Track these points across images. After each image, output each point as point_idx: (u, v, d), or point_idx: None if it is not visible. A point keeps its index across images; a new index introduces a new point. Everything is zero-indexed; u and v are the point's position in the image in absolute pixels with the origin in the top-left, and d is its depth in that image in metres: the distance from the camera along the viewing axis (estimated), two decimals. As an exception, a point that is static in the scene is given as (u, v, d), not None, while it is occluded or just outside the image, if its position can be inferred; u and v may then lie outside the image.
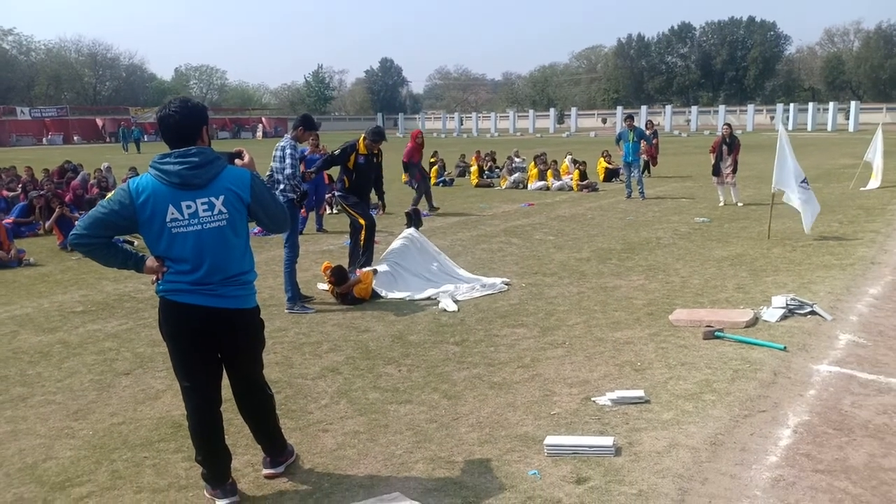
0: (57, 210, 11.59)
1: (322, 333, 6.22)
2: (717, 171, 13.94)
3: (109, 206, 3.13)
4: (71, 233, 3.21)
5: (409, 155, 14.52)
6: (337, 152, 8.00)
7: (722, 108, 65.27)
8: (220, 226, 3.20)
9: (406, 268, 7.88)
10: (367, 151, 7.98)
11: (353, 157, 7.89)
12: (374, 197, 9.08)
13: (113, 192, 3.25)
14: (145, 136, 50.46)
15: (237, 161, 3.43)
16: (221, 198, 3.19)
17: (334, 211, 14.48)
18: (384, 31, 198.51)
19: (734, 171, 13.84)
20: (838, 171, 20.21)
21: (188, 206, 3.14)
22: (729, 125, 14.67)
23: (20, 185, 15.26)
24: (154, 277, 3.30)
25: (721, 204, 13.90)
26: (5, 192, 14.48)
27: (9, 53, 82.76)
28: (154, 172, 3.16)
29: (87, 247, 3.15)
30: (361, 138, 7.98)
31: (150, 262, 3.24)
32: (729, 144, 13.78)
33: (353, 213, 8.08)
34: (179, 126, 3.19)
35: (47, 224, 11.95)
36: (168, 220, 3.13)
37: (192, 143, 3.20)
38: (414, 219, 8.83)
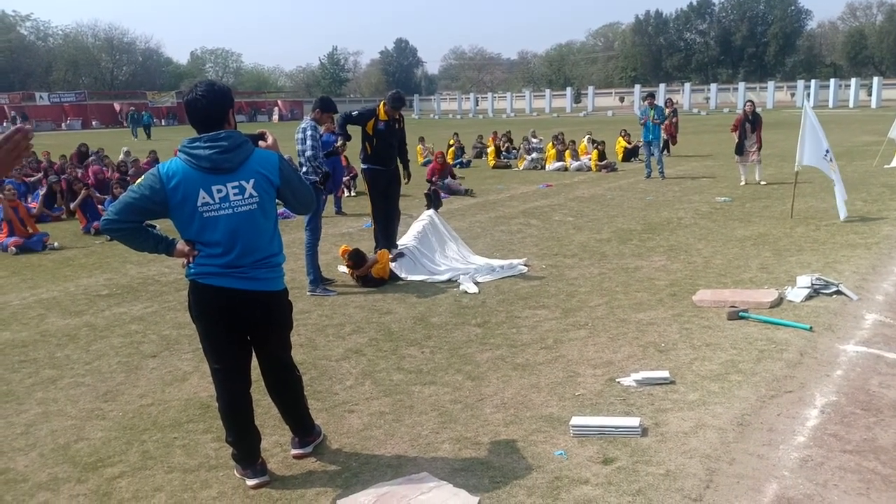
0: (83, 192, 11.70)
1: (344, 315, 6.26)
2: (740, 150, 13.72)
3: (140, 191, 3.15)
4: (102, 218, 3.24)
5: (431, 172, 14.97)
6: (355, 113, 7.84)
7: (742, 85, 64.36)
8: (251, 209, 3.22)
9: (423, 252, 7.89)
10: (388, 117, 7.75)
11: (372, 123, 7.69)
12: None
13: (143, 177, 3.26)
14: (156, 121, 50.40)
15: (261, 143, 3.44)
16: (252, 181, 3.20)
17: (352, 193, 14.51)
18: (399, 11, 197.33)
19: (759, 148, 13.64)
20: (861, 149, 19.89)
21: (219, 190, 3.15)
22: (752, 102, 14.42)
23: (42, 171, 15.41)
24: (184, 261, 3.33)
25: (742, 183, 13.69)
26: (25, 178, 14.62)
27: (27, 39, 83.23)
28: (184, 157, 3.17)
29: (118, 231, 3.18)
30: (381, 104, 7.79)
31: (181, 245, 3.27)
32: (752, 122, 13.57)
33: (371, 201, 7.98)
34: (207, 110, 3.20)
35: (72, 205, 12.07)
36: (199, 204, 3.15)
37: (220, 127, 3.21)
38: (434, 199, 8.81)
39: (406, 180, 8.13)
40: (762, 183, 13.52)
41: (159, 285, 7.58)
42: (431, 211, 8.56)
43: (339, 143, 7.89)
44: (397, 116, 7.89)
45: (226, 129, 3.24)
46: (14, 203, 10.30)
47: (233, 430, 3.47)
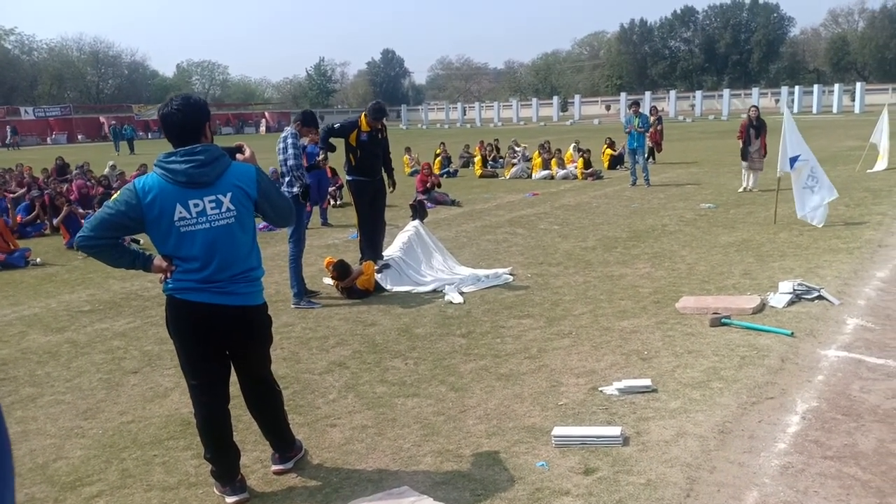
0: (65, 209, 11.63)
1: (329, 328, 6.23)
2: (745, 156, 13.54)
3: (116, 207, 3.13)
4: (77, 234, 3.21)
5: (420, 183, 15.09)
6: (337, 126, 7.80)
7: (727, 91, 64.84)
8: (229, 223, 3.20)
9: (409, 263, 7.88)
10: (371, 128, 7.72)
11: (354, 135, 7.65)
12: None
13: (118, 192, 3.24)
14: (141, 134, 50.12)
15: (238, 156, 3.43)
16: (229, 195, 3.19)
17: (338, 203, 14.50)
18: (385, 21, 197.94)
19: (764, 154, 13.41)
20: (844, 154, 20.08)
21: (196, 205, 3.14)
22: (756, 108, 14.06)
23: (25, 186, 15.30)
24: (161, 276, 3.31)
25: (741, 189, 13.55)
26: (7, 194, 14.52)
27: (11, 53, 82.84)
28: (160, 171, 3.15)
29: (94, 248, 3.16)
30: (363, 115, 7.75)
31: (158, 261, 3.25)
32: (756, 127, 13.36)
33: (357, 212, 7.95)
34: (183, 124, 3.18)
35: (55, 221, 11.99)
36: (176, 219, 3.13)
37: (196, 141, 3.20)
38: (419, 210, 8.82)
39: (391, 189, 8.11)
40: (754, 190, 13.40)
41: (142, 300, 7.53)
42: (417, 222, 8.56)
43: (321, 157, 7.89)
44: (380, 126, 7.86)
45: (202, 142, 3.23)
46: (-5, 220, 10.21)
47: (211, 446, 3.44)
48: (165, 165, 3.16)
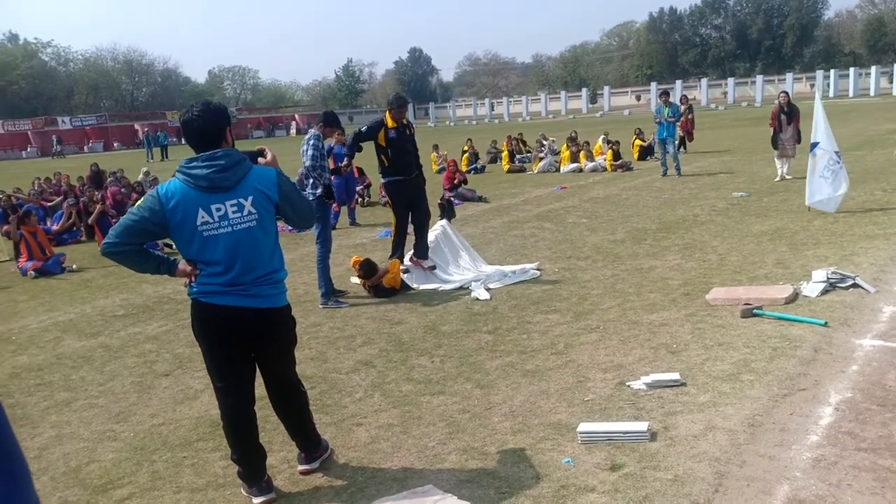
0: (98, 206, 11.91)
1: (356, 327, 6.26)
2: (775, 143, 13.09)
3: (140, 213, 3.18)
4: (103, 241, 3.27)
5: (447, 180, 15.02)
6: (364, 129, 7.62)
7: (759, 78, 63.57)
8: (250, 226, 3.23)
9: (436, 262, 7.86)
10: (396, 123, 7.48)
11: (382, 133, 7.43)
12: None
13: (142, 198, 3.30)
14: (174, 140, 50.89)
15: (260, 160, 3.46)
16: (250, 198, 3.22)
17: (365, 202, 14.54)
18: (412, 20, 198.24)
19: (798, 140, 12.84)
20: (882, 138, 19.53)
21: (217, 209, 3.18)
22: (786, 93, 13.59)
23: (62, 194, 15.67)
24: (186, 280, 3.35)
25: (777, 179, 13.07)
26: (44, 202, 14.87)
27: (48, 65, 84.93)
28: (182, 177, 3.20)
29: (119, 254, 3.21)
30: (388, 112, 7.56)
31: (183, 265, 3.30)
32: (788, 114, 12.89)
33: (395, 213, 7.75)
34: (203, 129, 3.23)
35: (90, 220, 12.26)
36: (198, 223, 3.17)
37: (217, 146, 3.24)
38: (447, 209, 8.80)
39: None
40: (788, 177, 12.94)
41: (174, 303, 7.64)
42: (444, 221, 8.54)
43: (344, 163, 7.87)
44: (405, 122, 7.64)
45: (223, 147, 3.27)
46: (35, 229, 10.47)
47: (237, 447, 3.48)
48: (187, 171, 3.20)
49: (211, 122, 3.25)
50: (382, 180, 7.81)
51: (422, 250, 7.77)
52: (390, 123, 7.50)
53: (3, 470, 0.66)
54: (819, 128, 9.32)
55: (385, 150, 7.51)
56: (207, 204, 3.18)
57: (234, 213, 3.21)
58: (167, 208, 3.17)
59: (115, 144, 62.12)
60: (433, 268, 7.69)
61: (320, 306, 7.00)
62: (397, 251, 7.84)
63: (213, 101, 3.44)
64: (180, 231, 3.22)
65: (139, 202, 3.29)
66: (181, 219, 3.18)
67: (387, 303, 7.01)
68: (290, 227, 11.23)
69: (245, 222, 3.23)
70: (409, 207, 7.70)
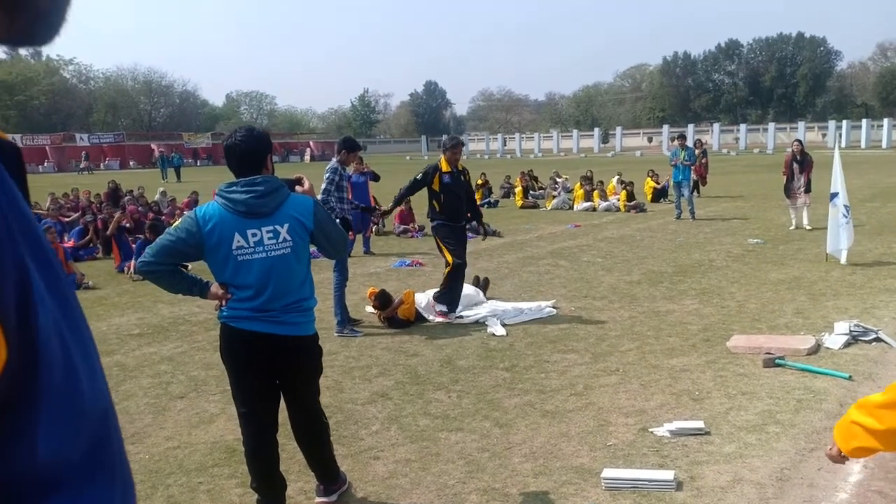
0: (117, 215, 12.04)
1: (371, 357, 6.22)
2: (787, 191, 12.99)
3: (177, 234, 3.21)
4: (139, 260, 3.30)
5: None
6: (419, 176, 7.40)
7: (771, 125, 63.93)
8: (285, 253, 3.25)
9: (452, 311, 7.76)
10: (451, 168, 7.29)
11: (437, 178, 7.25)
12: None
13: (180, 219, 3.32)
14: (189, 161, 51.08)
15: (297, 188, 3.48)
16: (286, 226, 3.24)
17: (380, 230, 14.57)
18: (429, 54, 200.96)
19: (807, 190, 12.73)
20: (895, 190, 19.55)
21: (254, 235, 3.20)
22: (800, 141, 13.50)
23: (80, 210, 15.77)
24: (217, 303, 3.36)
25: (792, 227, 12.95)
26: (62, 218, 14.96)
27: (69, 82, 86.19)
28: (221, 201, 3.22)
29: (154, 273, 3.24)
30: (442, 156, 7.39)
31: (215, 288, 3.30)
32: (800, 162, 12.75)
33: (443, 248, 7.42)
34: (245, 154, 3.26)
35: (108, 231, 12.33)
36: (234, 247, 3.19)
37: (257, 172, 3.27)
38: (483, 285, 8.69)
39: (483, 237, 7.88)
40: (808, 228, 12.63)
41: (189, 325, 7.63)
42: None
43: (385, 208, 7.78)
44: (461, 168, 7.43)
45: (263, 174, 3.29)
46: (54, 245, 10.52)
47: (258, 475, 3.44)
48: (226, 195, 3.23)
49: (252, 147, 3.30)
50: (433, 223, 7.57)
51: (450, 304, 7.48)
52: (444, 167, 7.31)
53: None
54: (837, 179, 9.34)
55: (438, 195, 7.30)
56: (244, 229, 3.20)
57: (269, 239, 3.22)
58: (204, 231, 3.19)
59: (131, 163, 62.70)
60: (460, 318, 7.39)
61: (335, 335, 6.97)
62: (449, 295, 7.36)
63: (257, 128, 3.49)
64: (215, 254, 3.23)
65: (176, 223, 3.32)
66: (217, 242, 3.20)
67: (402, 334, 6.98)
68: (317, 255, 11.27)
69: (280, 249, 3.24)
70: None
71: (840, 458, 1.98)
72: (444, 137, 7.72)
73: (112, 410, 0.64)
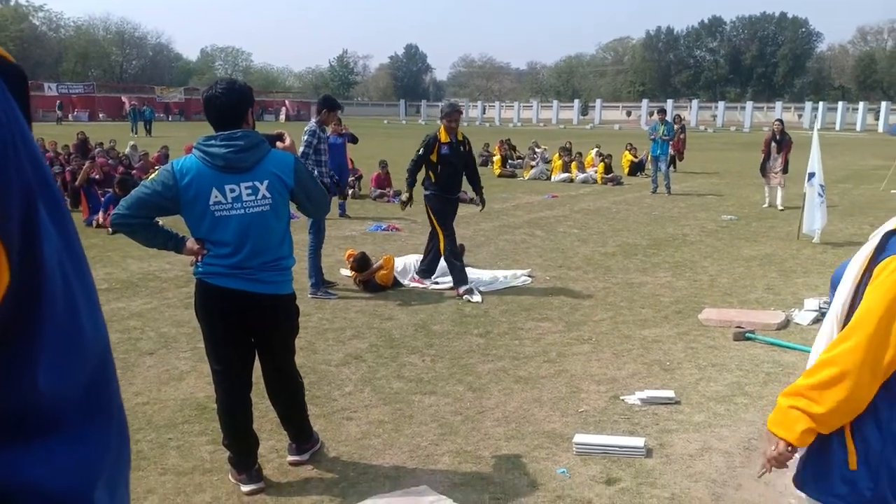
0: (87, 166, 11.80)
1: (345, 320, 6.19)
2: (763, 170, 13.06)
3: (153, 187, 3.12)
4: (113, 212, 3.21)
5: None
6: (420, 151, 6.99)
7: (749, 104, 64.45)
8: (263, 210, 3.18)
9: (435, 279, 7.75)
10: (450, 138, 6.95)
11: (436, 149, 6.93)
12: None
13: (157, 172, 3.23)
14: (160, 116, 49.94)
15: (278, 144, 3.40)
16: (266, 182, 3.16)
17: (355, 193, 14.43)
18: (410, 17, 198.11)
19: (784, 170, 12.76)
20: (868, 173, 19.83)
21: (232, 190, 3.12)
22: (780, 121, 13.46)
23: (48, 161, 15.37)
24: (193, 259, 3.29)
25: (765, 205, 13.10)
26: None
27: (39, 29, 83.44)
28: (199, 154, 3.13)
29: (129, 226, 3.15)
30: (441, 126, 7.02)
31: (191, 243, 3.23)
32: (779, 142, 12.76)
33: (434, 222, 7.16)
34: (225, 108, 3.17)
35: (77, 182, 12.06)
36: (211, 202, 3.11)
37: (237, 126, 3.18)
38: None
39: (480, 207, 7.44)
40: (780, 208, 12.67)
41: (160, 281, 7.51)
42: None
43: (405, 197, 7.32)
44: (461, 137, 7.10)
45: (243, 128, 3.20)
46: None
47: (230, 432, 3.41)
48: (205, 149, 3.14)
49: (233, 101, 3.20)
50: (425, 192, 7.20)
51: (429, 272, 7.41)
52: (443, 137, 6.98)
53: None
54: (815, 159, 9.42)
55: (435, 165, 7.00)
56: (222, 184, 3.12)
57: (248, 195, 3.15)
58: (181, 184, 3.10)
59: (100, 115, 61.18)
60: (469, 292, 7.02)
61: (309, 296, 6.90)
62: (460, 272, 7.03)
63: (239, 81, 3.38)
64: (192, 208, 3.15)
65: (153, 175, 3.22)
66: (193, 196, 3.12)
67: (377, 297, 6.95)
68: (296, 216, 11.16)
69: (258, 206, 3.17)
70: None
71: (789, 453, 1.84)
72: (443, 103, 7.41)
73: (110, 353, 0.64)
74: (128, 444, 0.65)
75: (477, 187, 7.39)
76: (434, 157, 6.97)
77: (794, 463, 3.55)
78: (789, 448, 1.79)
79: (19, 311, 0.53)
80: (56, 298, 0.55)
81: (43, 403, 0.55)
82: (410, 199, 7.35)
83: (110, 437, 0.61)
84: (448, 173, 7.03)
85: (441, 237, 7.09)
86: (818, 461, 1.82)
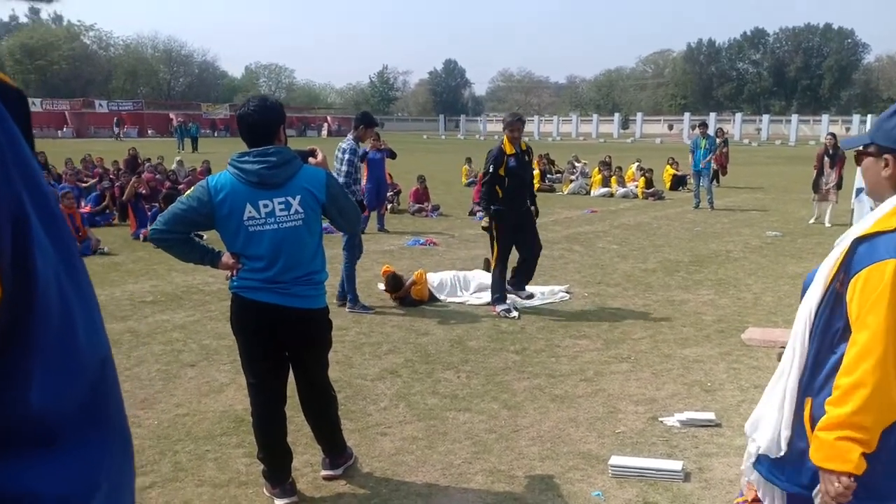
0: (133, 181, 12.11)
1: (382, 334, 6.22)
2: (816, 187, 12.66)
3: (188, 203, 3.19)
4: (151, 227, 3.29)
5: (478, 194, 14.70)
6: (490, 168, 6.73)
7: (795, 117, 63.05)
8: (296, 225, 3.22)
9: (466, 280, 7.76)
10: (514, 149, 6.72)
11: (504, 162, 6.70)
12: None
13: (192, 188, 3.31)
14: (206, 132, 50.96)
15: (311, 160, 3.45)
16: (298, 197, 3.21)
17: (395, 208, 14.52)
18: (449, 33, 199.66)
19: (839, 186, 12.41)
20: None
21: (265, 205, 3.17)
22: (833, 135, 13.16)
23: (97, 176, 15.83)
24: (228, 273, 3.35)
25: (812, 221, 12.76)
26: (79, 183, 15.02)
27: (89, 48, 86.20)
28: (233, 171, 3.20)
29: (166, 241, 3.24)
30: (505, 138, 6.78)
31: (226, 258, 3.29)
32: (832, 157, 12.43)
33: (496, 238, 6.88)
34: (258, 124, 3.23)
35: (124, 197, 12.39)
36: (245, 218, 3.17)
37: (270, 142, 3.23)
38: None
39: (535, 216, 7.12)
40: (827, 225, 12.27)
41: (203, 294, 7.65)
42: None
43: (486, 223, 6.95)
44: (524, 147, 6.86)
45: (276, 144, 3.26)
46: (71, 210, 10.56)
47: (265, 446, 3.44)
48: (238, 165, 3.20)
49: (265, 118, 3.25)
50: (492, 208, 6.85)
51: (522, 282, 7.13)
52: (508, 149, 6.74)
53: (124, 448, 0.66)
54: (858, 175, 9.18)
55: (502, 179, 6.71)
56: (255, 199, 3.17)
57: (281, 210, 3.20)
58: (215, 200, 3.17)
59: (149, 131, 62.87)
60: (531, 296, 7.15)
61: (347, 311, 6.96)
62: (499, 290, 6.95)
63: (270, 98, 3.44)
64: (226, 224, 3.21)
65: (188, 192, 3.29)
66: (228, 212, 3.18)
67: (413, 312, 6.96)
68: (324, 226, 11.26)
69: (291, 221, 3.22)
70: (514, 240, 6.96)
71: (851, 484, 1.78)
72: (505, 114, 7.01)
73: (110, 360, 0.64)
74: (131, 454, 0.65)
75: (531, 196, 7.16)
76: (502, 171, 6.71)
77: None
78: (850, 478, 1.77)
79: (13, 323, 0.53)
80: (51, 311, 0.56)
81: (39, 414, 0.55)
82: (491, 222, 6.87)
83: (111, 447, 0.61)
84: (515, 185, 6.77)
85: (496, 252, 6.91)
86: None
